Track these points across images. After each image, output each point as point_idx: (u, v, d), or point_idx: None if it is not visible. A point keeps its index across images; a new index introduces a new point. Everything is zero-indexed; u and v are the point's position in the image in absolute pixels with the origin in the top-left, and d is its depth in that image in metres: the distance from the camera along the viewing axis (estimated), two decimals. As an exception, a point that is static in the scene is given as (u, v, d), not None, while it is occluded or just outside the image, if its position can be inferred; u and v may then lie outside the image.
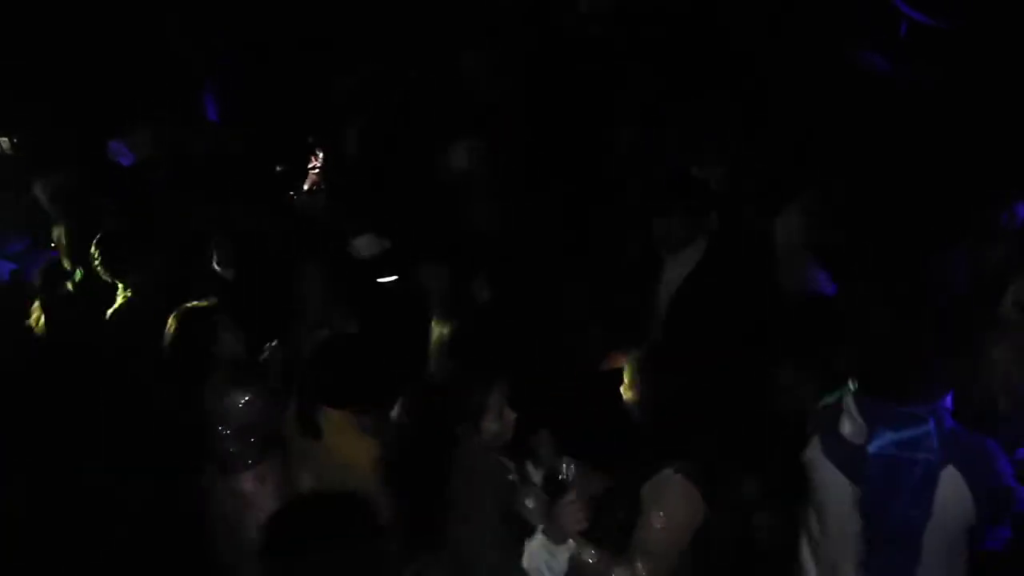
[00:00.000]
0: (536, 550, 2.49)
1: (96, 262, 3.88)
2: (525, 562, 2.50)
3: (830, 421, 2.43)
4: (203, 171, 4.90)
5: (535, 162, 4.65)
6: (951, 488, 2.26)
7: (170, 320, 3.30)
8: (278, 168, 5.37)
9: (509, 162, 4.56)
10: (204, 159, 5.12)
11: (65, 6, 5.58)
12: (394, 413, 3.04)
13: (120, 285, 3.89)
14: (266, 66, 5.99)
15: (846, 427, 2.37)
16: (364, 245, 4.41)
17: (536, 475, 2.82)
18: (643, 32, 5.19)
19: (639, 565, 2.51)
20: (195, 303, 3.40)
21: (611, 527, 2.62)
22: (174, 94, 5.65)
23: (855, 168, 4.05)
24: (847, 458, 2.37)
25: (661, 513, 2.52)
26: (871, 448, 2.31)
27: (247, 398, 2.69)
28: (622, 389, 2.81)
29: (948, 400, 2.34)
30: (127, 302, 3.83)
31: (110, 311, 3.87)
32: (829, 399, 2.50)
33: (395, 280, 4.28)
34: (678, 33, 4.97)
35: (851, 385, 2.40)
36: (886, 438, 2.29)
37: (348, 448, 2.89)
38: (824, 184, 3.89)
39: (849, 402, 2.38)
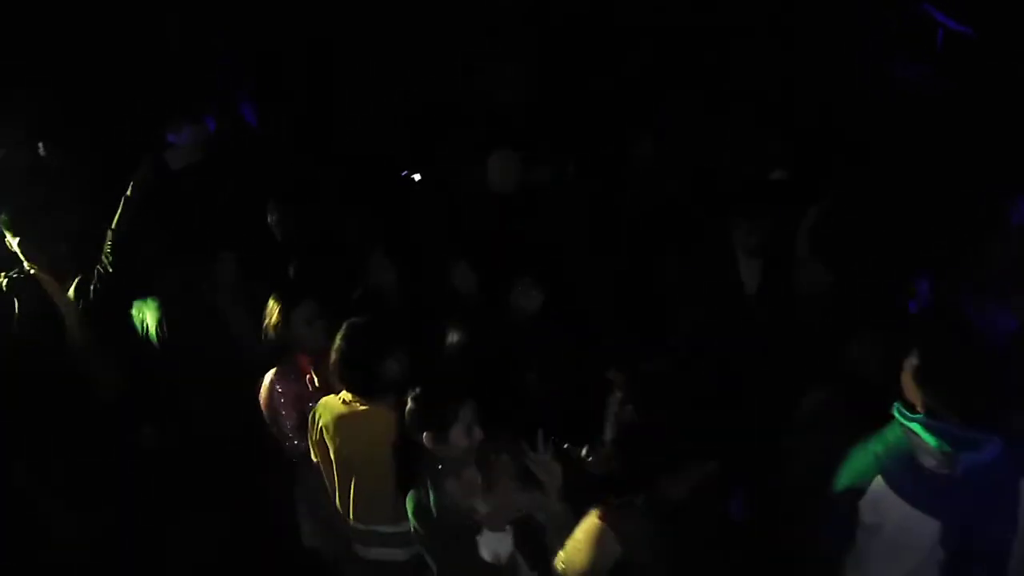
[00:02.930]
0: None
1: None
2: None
3: (894, 457, 2.38)
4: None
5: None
6: None
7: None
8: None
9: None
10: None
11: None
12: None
13: None
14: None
15: (927, 459, 2.33)
16: None
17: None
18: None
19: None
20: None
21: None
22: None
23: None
24: (928, 491, 2.33)
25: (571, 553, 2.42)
26: (959, 475, 2.29)
27: None
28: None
29: None
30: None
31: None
32: (880, 437, 2.43)
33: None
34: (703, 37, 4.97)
35: (902, 417, 2.34)
36: (970, 462, 2.28)
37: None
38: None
39: (919, 435, 2.32)
